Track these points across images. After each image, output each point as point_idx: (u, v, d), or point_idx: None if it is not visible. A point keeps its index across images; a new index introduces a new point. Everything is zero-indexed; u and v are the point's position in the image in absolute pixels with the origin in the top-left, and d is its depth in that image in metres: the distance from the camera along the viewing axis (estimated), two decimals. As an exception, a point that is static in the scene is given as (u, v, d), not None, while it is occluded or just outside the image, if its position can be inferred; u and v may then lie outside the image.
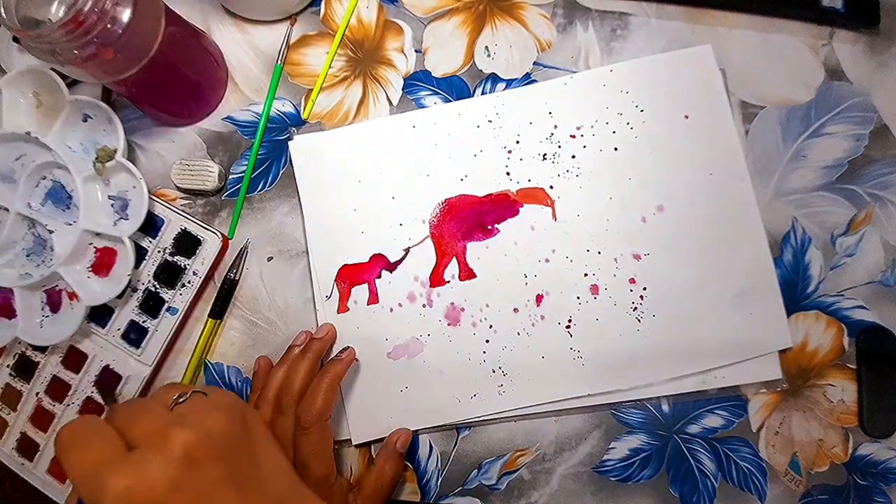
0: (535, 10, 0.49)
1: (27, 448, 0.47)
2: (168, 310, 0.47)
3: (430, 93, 0.49)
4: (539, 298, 0.45)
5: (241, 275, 0.48)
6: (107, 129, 0.46)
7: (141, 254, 0.47)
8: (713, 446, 0.44)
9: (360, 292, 0.47)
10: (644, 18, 0.48)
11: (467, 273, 0.46)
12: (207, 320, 0.47)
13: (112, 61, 0.39)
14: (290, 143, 0.49)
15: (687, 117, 0.46)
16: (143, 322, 0.47)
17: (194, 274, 0.47)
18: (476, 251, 0.46)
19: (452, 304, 0.46)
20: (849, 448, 0.43)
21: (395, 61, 0.50)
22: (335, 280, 0.47)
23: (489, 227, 0.46)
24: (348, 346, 0.45)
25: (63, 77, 0.45)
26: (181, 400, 0.31)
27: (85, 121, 0.46)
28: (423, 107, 0.49)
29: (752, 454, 0.44)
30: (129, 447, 0.27)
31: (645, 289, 0.44)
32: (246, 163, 0.49)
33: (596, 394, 0.44)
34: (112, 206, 0.47)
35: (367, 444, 0.46)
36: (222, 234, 0.48)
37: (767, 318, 0.43)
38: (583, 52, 0.48)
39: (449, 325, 0.45)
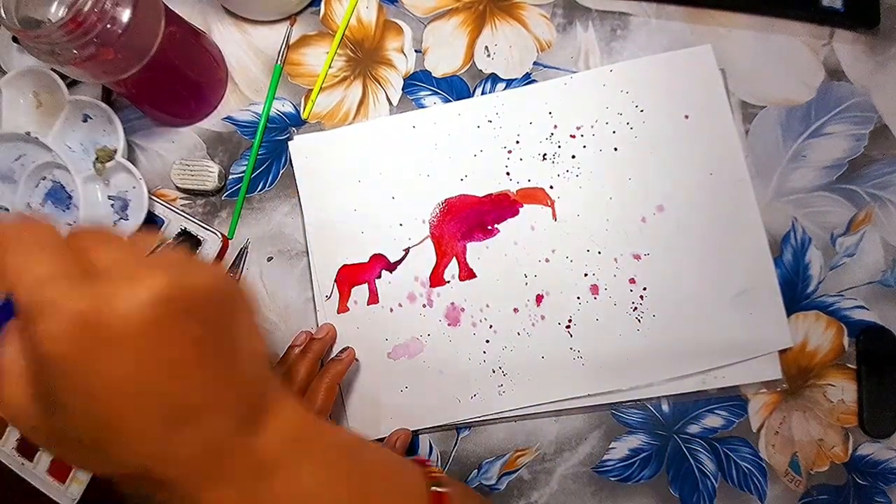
0: (535, 10, 0.49)
1: (27, 448, 0.47)
2: (168, 310, 0.47)
3: (430, 93, 0.49)
4: (539, 298, 0.45)
5: (241, 275, 0.48)
6: (107, 130, 0.46)
7: (141, 254, 0.47)
8: (713, 446, 0.44)
9: (360, 292, 0.47)
10: (644, 18, 0.48)
11: (467, 273, 0.46)
12: (207, 320, 0.47)
13: (112, 61, 0.39)
14: (290, 143, 0.49)
15: (687, 117, 0.46)
16: (143, 322, 0.47)
17: (194, 274, 0.47)
18: (476, 251, 0.46)
19: (452, 304, 0.46)
20: (849, 448, 0.43)
21: (395, 61, 0.50)
22: (335, 280, 0.47)
23: (489, 227, 0.46)
24: (348, 347, 0.45)
25: (63, 77, 0.45)
26: (161, 248, 0.26)
27: (85, 121, 0.46)
28: (423, 107, 0.49)
29: (752, 454, 0.44)
30: (94, 272, 0.23)
31: (645, 289, 0.44)
32: (246, 163, 0.49)
33: (596, 394, 0.44)
34: (112, 206, 0.47)
35: (367, 444, 0.46)
36: (222, 235, 0.48)
37: (767, 318, 0.43)
38: (583, 52, 0.48)
39: (449, 325, 0.45)
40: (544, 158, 0.46)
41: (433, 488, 0.34)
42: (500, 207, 0.46)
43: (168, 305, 0.23)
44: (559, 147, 0.46)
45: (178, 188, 0.49)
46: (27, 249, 0.23)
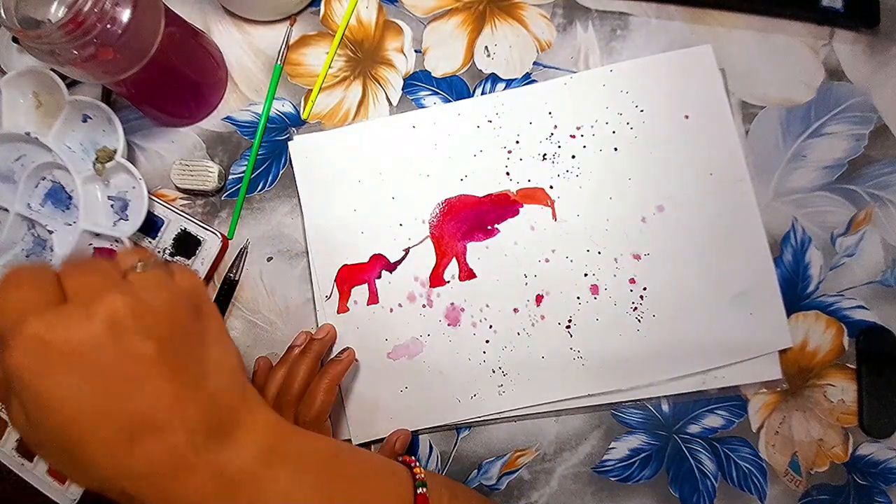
0: (535, 10, 0.49)
1: (27, 448, 0.47)
2: (168, 310, 0.47)
3: (429, 93, 0.49)
4: (539, 298, 0.45)
5: (240, 275, 0.48)
6: (106, 130, 0.46)
7: (141, 254, 0.47)
8: (713, 446, 0.44)
9: (359, 292, 0.47)
10: (644, 18, 0.48)
11: (467, 273, 0.46)
12: (207, 320, 0.47)
13: (112, 61, 0.39)
14: (289, 143, 0.49)
15: (687, 117, 0.46)
16: (143, 322, 0.47)
17: (194, 274, 0.47)
18: (476, 251, 0.46)
19: (452, 304, 0.46)
20: (849, 448, 0.43)
21: (395, 61, 0.50)
22: (335, 280, 0.47)
23: (489, 228, 0.46)
24: (348, 347, 0.45)
25: (63, 77, 0.45)
26: (138, 269, 0.28)
27: (85, 121, 0.46)
28: (422, 107, 0.49)
29: (752, 454, 0.44)
30: (63, 300, 0.26)
31: (645, 289, 0.44)
32: (246, 163, 0.49)
33: (596, 394, 0.44)
34: (112, 206, 0.47)
35: (367, 445, 0.46)
36: (222, 235, 0.48)
37: (767, 318, 0.43)
38: (583, 52, 0.48)
39: (449, 325, 0.45)
40: (544, 158, 0.46)
41: (419, 490, 0.34)
42: (500, 207, 0.46)
43: (119, 325, 0.25)
44: (559, 147, 0.46)
45: (177, 188, 0.49)
46: (16, 285, 0.26)
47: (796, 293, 0.45)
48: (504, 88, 0.48)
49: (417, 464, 0.36)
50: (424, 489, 0.34)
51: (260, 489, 0.28)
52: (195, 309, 0.29)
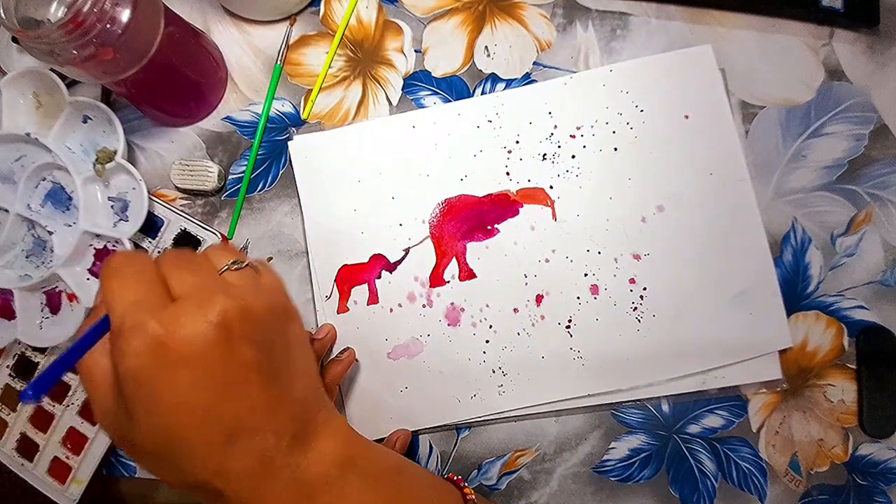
0: (535, 10, 0.49)
1: (27, 448, 0.47)
2: (168, 310, 0.47)
3: (429, 93, 0.49)
4: (539, 298, 0.45)
5: (240, 275, 0.48)
6: (107, 131, 0.46)
7: (141, 254, 0.47)
8: (713, 446, 0.44)
9: (359, 292, 0.47)
10: (644, 18, 0.48)
11: (467, 273, 0.46)
12: (207, 321, 0.47)
13: (111, 61, 0.39)
14: (289, 143, 0.49)
15: (687, 117, 0.46)
16: (143, 322, 0.47)
17: (194, 274, 0.47)
18: (476, 251, 0.46)
19: (452, 304, 0.46)
20: (849, 448, 0.43)
21: (395, 61, 0.50)
22: (335, 280, 0.47)
23: (489, 228, 0.46)
24: (348, 347, 0.45)
25: (62, 77, 0.45)
26: (234, 268, 0.29)
27: (85, 122, 0.46)
28: (422, 107, 0.49)
29: (752, 454, 0.44)
30: (171, 297, 0.27)
31: (645, 289, 0.44)
32: (245, 163, 0.49)
33: (596, 394, 0.44)
34: (112, 207, 0.47)
35: (368, 445, 0.46)
36: (222, 235, 0.48)
37: (767, 318, 0.43)
38: (583, 52, 0.48)
39: (449, 325, 0.45)
40: (544, 158, 0.46)
41: None
42: (500, 207, 0.46)
43: (229, 329, 0.26)
44: (559, 147, 0.46)
45: (177, 188, 0.49)
46: (125, 279, 0.26)
47: (796, 293, 0.45)
48: (504, 88, 0.48)
49: (466, 484, 0.38)
50: None
51: (335, 496, 0.29)
52: (284, 313, 0.30)
